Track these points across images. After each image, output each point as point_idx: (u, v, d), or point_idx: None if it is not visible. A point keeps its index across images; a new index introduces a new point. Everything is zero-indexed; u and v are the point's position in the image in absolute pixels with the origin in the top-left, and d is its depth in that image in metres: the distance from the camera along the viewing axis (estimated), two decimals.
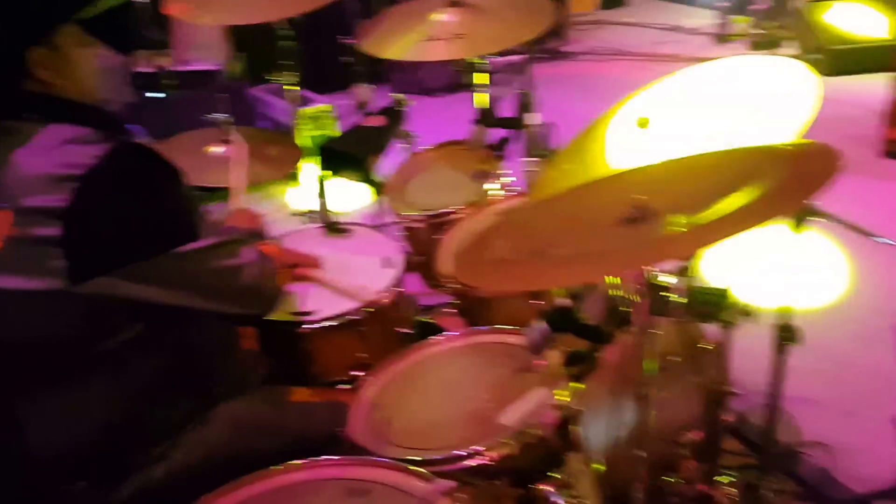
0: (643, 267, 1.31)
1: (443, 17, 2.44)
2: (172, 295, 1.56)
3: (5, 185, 1.47)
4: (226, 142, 2.51)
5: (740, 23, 6.38)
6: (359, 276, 2.18)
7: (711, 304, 1.50)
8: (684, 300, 1.43)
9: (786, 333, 1.69)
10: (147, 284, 1.51)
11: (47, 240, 1.43)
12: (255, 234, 1.96)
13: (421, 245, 2.52)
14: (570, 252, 1.25)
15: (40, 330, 1.51)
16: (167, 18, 2.57)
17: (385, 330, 2.13)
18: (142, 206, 1.51)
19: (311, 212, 3.10)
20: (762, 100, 1.70)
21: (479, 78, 2.83)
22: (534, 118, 2.43)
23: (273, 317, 1.94)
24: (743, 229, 0.99)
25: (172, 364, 1.64)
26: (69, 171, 1.45)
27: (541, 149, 2.40)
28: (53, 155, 1.47)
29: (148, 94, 4.43)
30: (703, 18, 6.82)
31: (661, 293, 1.37)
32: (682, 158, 1.38)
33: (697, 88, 1.83)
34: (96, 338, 1.52)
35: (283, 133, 4.08)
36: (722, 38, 6.38)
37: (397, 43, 2.47)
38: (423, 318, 2.41)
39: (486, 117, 2.43)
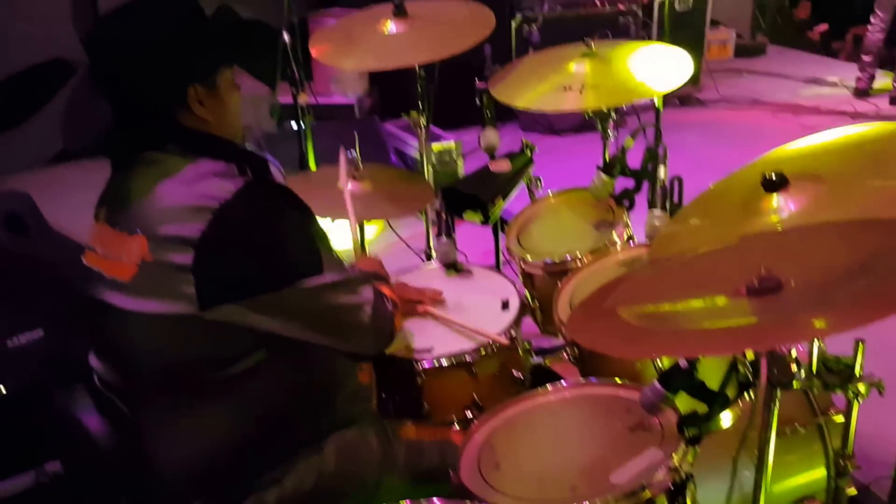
0: (762, 347, 1.26)
1: (575, 67, 2.42)
2: (292, 327, 1.61)
3: (145, 213, 1.56)
4: (355, 178, 2.56)
5: (883, 77, 6.17)
6: (476, 316, 2.20)
7: (838, 375, 1.44)
8: (809, 369, 1.38)
9: None
10: (270, 315, 1.57)
11: (180, 266, 1.51)
12: (376, 275, 2.00)
13: (539, 290, 2.51)
14: (689, 320, 1.21)
15: (170, 352, 1.58)
16: (309, 53, 2.68)
17: (499, 372, 2.13)
18: (270, 240, 1.57)
19: (431, 250, 3.14)
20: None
21: (608, 124, 2.81)
22: (662, 169, 2.38)
23: (390, 352, 1.98)
24: (877, 317, 0.94)
25: (290, 392, 1.69)
26: (205, 203, 1.52)
27: (668, 201, 2.35)
28: (193, 187, 1.55)
29: (285, 125, 4.64)
30: (845, 71, 6.62)
31: (784, 361, 1.33)
32: (815, 225, 1.33)
33: (833, 151, 1.76)
34: (221, 363, 1.58)
35: (414, 171, 4.14)
36: (861, 92, 6.18)
37: (529, 92, 2.46)
38: (539, 363, 2.39)
39: (613, 165, 2.39)
